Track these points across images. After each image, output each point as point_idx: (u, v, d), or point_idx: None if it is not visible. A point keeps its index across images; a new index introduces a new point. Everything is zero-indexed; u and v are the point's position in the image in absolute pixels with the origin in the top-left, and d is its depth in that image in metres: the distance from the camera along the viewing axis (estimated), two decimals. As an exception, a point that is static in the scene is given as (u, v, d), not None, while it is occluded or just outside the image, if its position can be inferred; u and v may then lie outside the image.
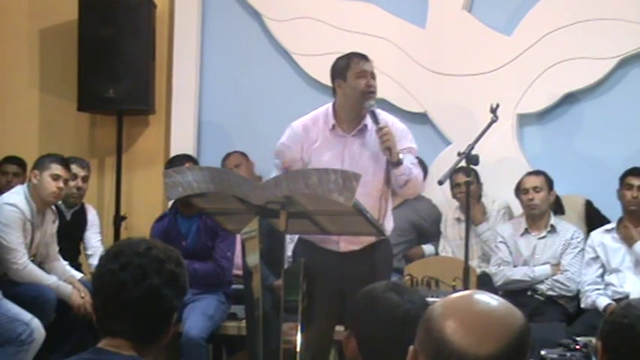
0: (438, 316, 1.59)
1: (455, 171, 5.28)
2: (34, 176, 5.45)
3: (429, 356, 1.58)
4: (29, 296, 5.30)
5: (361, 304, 2.15)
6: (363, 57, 4.55)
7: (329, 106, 4.58)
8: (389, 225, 4.61)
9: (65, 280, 5.56)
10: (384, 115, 4.56)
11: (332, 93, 4.60)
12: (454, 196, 6.15)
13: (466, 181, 5.12)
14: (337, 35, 6.54)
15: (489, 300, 1.61)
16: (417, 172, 4.53)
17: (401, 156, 4.40)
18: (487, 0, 6.55)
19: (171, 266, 2.25)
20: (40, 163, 5.49)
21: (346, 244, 4.51)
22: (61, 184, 5.46)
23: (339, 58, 4.61)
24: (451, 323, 1.57)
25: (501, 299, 1.63)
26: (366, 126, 4.49)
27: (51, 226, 5.60)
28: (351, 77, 4.48)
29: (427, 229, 6.35)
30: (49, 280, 5.46)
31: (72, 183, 5.79)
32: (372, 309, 2.10)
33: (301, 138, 4.53)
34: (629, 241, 5.61)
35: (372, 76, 4.50)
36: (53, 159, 5.49)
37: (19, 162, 6.44)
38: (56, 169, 5.44)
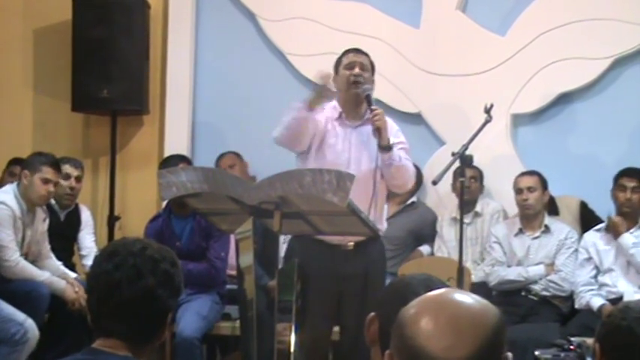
0: (410, 319, 1.58)
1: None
2: (25, 176, 5.42)
3: None
4: (22, 291, 5.29)
5: (391, 291, 2.14)
6: (357, 51, 4.66)
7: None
8: (382, 224, 4.63)
9: (58, 276, 5.54)
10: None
11: None
12: (454, 189, 6.08)
13: (461, 181, 5.12)
14: (331, 35, 6.53)
15: (462, 299, 1.59)
16: (409, 164, 4.60)
17: (392, 141, 4.44)
18: (481, 0, 6.55)
19: (166, 266, 2.25)
20: (31, 164, 5.45)
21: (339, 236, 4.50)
22: (50, 187, 5.44)
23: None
24: (423, 328, 1.55)
25: (475, 296, 1.61)
26: (367, 119, 4.55)
27: (41, 224, 5.58)
28: (341, 70, 4.61)
29: (424, 232, 6.33)
30: (42, 276, 5.44)
31: (65, 183, 5.78)
32: (398, 299, 2.09)
33: (321, 115, 4.58)
34: (615, 234, 5.60)
35: (362, 67, 4.57)
36: (44, 160, 5.45)
37: None
38: (47, 172, 5.40)
